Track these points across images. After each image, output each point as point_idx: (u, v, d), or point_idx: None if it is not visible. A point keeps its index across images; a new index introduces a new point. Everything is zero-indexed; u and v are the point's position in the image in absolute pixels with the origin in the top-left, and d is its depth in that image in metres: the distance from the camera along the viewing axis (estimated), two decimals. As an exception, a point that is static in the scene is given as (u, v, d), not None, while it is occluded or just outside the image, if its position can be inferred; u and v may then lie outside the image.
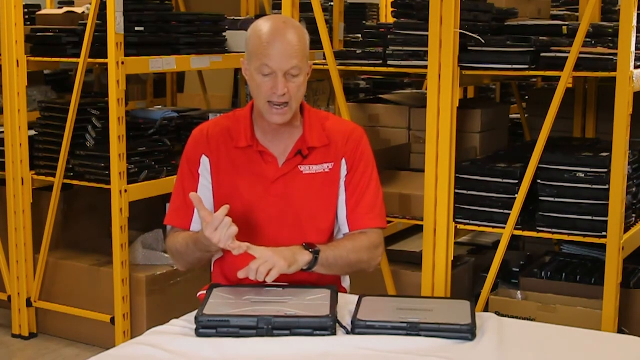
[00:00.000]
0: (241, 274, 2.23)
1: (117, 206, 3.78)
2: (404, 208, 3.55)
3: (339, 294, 2.26)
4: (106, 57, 3.70)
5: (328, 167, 2.45)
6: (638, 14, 3.05)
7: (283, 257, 2.24)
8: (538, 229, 3.28)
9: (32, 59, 4.15)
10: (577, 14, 4.86)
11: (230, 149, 2.44)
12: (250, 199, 2.42)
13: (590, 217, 3.17)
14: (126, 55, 3.72)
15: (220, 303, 2.17)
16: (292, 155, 2.43)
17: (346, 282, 2.61)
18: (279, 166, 2.43)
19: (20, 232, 4.20)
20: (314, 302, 2.18)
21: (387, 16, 6.61)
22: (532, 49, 3.23)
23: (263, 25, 2.35)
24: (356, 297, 2.28)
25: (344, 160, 2.46)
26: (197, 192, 2.44)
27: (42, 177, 4.15)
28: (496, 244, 3.43)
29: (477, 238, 4.51)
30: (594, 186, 3.17)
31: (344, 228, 2.49)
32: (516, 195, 3.25)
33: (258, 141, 2.44)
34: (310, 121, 2.46)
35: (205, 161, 2.46)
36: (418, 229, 3.79)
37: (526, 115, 4.72)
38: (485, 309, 3.35)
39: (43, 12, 4.95)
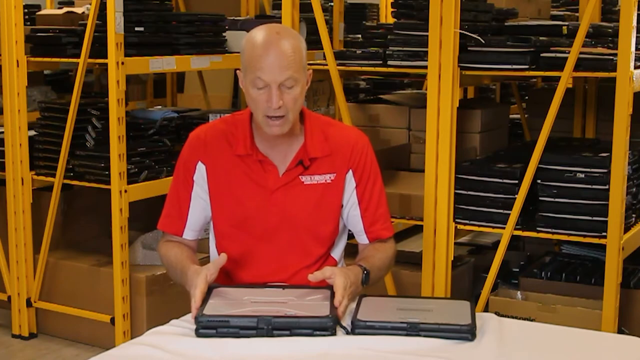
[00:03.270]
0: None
1: (117, 206, 3.77)
2: (404, 208, 3.55)
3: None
4: (106, 57, 3.70)
5: (330, 177, 2.40)
6: (638, 14, 3.05)
7: (352, 281, 2.26)
8: (538, 229, 3.28)
9: (32, 59, 4.14)
10: (577, 14, 4.86)
11: (228, 156, 2.39)
12: (249, 208, 2.38)
13: (590, 218, 3.17)
14: (126, 55, 3.72)
15: (220, 303, 2.17)
16: (293, 165, 2.38)
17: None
18: (279, 176, 2.38)
19: (20, 232, 4.20)
20: (314, 302, 2.18)
21: (387, 16, 6.62)
22: (532, 49, 3.23)
23: (256, 36, 2.28)
24: (356, 297, 2.28)
25: (350, 172, 2.42)
26: (190, 199, 2.43)
27: (42, 177, 4.15)
28: (496, 244, 3.44)
29: (477, 238, 4.52)
30: (594, 186, 3.17)
31: (361, 238, 2.49)
32: (516, 196, 3.25)
33: (258, 149, 2.38)
34: (312, 130, 2.41)
35: (201, 168, 2.41)
36: (418, 229, 3.80)
37: (526, 115, 4.72)
38: (485, 309, 3.35)
39: (43, 12, 4.95)
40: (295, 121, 2.36)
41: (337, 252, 2.51)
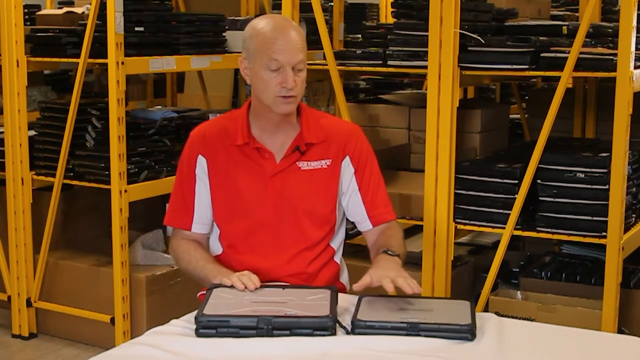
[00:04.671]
0: (390, 288, 2.22)
1: (117, 206, 3.77)
2: (404, 208, 3.55)
3: (339, 294, 2.26)
4: (106, 57, 3.70)
5: (326, 163, 2.47)
6: (638, 14, 3.05)
7: (396, 268, 2.30)
8: (538, 229, 3.28)
9: (32, 59, 4.14)
10: (577, 14, 4.86)
11: (227, 147, 2.46)
12: (248, 195, 2.45)
13: (590, 217, 3.17)
14: (126, 55, 3.72)
15: (220, 303, 2.17)
16: (289, 151, 2.46)
17: (344, 277, 2.62)
18: (277, 162, 2.45)
19: (20, 232, 4.20)
20: (314, 302, 2.18)
21: (387, 16, 6.61)
22: (532, 49, 3.23)
23: (264, 23, 2.39)
24: (356, 297, 2.28)
25: (347, 158, 2.49)
26: (194, 193, 2.49)
27: (42, 177, 4.15)
28: (496, 244, 3.44)
29: (477, 238, 4.51)
30: (594, 186, 3.17)
31: (364, 225, 2.54)
32: (516, 195, 3.25)
33: (255, 138, 2.46)
34: (307, 118, 2.50)
35: (202, 161, 2.48)
36: (418, 229, 3.79)
37: (526, 115, 4.72)
38: (485, 309, 3.35)
39: (43, 12, 4.95)
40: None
41: (336, 242, 2.56)
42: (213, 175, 2.47)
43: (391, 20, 3.85)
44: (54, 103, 4.30)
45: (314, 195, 2.46)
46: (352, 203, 2.52)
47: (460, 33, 3.25)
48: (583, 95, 4.20)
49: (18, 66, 4.10)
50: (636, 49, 3.11)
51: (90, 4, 3.87)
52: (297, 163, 2.46)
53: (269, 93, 2.38)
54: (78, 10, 4.60)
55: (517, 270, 3.81)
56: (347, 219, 2.60)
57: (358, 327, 2.08)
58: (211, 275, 2.37)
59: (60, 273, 4.19)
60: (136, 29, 3.89)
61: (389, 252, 2.38)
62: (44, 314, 4.25)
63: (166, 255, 4.08)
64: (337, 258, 2.57)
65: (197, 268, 2.44)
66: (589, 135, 4.18)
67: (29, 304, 4.23)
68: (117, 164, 3.74)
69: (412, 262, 3.72)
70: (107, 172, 3.81)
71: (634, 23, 3.01)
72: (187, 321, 2.18)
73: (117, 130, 3.72)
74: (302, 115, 2.50)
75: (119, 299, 3.87)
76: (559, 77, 3.15)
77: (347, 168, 2.50)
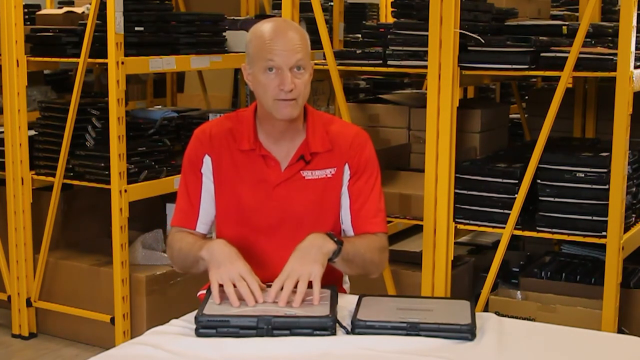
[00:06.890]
0: (269, 298, 2.16)
1: (117, 206, 3.78)
2: (404, 208, 3.55)
3: (339, 294, 2.26)
4: (106, 57, 3.70)
5: (331, 172, 2.43)
6: (638, 14, 3.05)
7: (309, 261, 2.20)
8: (538, 229, 3.28)
9: (32, 59, 4.15)
10: (577, 14, 4.86)
11: (232, 150, 2.42)
12: (251, 203, 2.41)
13: (590, 217, 3.17)
14: (126, 55, 3.72)
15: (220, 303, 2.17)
16: (294, 160, 2.41)
17: (346, 282, 2.61)
18: (282, 171, 2.41)
19: (20, 232, 4.20)
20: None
21: (387, 16, 6.61)
22: (532, 49, 3.23)
23: (263, 26, 2.34)
24: (356, 297, 2.28)
25: (347, 165, 2.44)
26: (200, 192, 2.45)
27: (42, 177, 4.15)
28: (496, 244, 3.44)
29: (477, 238, 4.51)
30: (594, 186, 3.17)
31: (348, 233, 2.48)
32: (516, 195, 3.25)
33: (261, 144, 2.41)
34: (314, 125, 2.44)
35: (207, 161, 2.44)
36: (418, 229, 3.80)
37: (526, 115, 4.72)
38: (485, 309, 3.35)
39: (43, 12, 4.95)
40: (299, 114, 2.39)
41: None
42: (217, 177, 2.44)
43: (391, 20, 3.84)
44: (54, 103, 4.30)
45: (317, 205, 2.41)
46: (342, 209, 2.45)
47: (460, 33, 3.25)
48: (583, 95, 4.20)
49: (18, 66, 4.10)
50: (636, 49, 3.11)
51: (90, 4, 3.87)
52: (301, 172, 2.41)
53: (268, 96, 2.32)
54: (78, 10, 4.60)
55: (517, 270, 3.81)
56: None
57: (358, 327, 2.08)
58: (197, 248, 2.30)
59: (60, 273, 4.20)
60: (136, 28, 3.89)
61: (330, 235, 2.28)
62: (44, 313, 4.25)
63: (166, 255, 4.08)
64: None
65: (188, 244, 2.37)
66: (589, 135, 4.18)
67: (29, 303, 4.23)
68: (117, 163, 3.74)
69: (412, 262, 3.74)
70: (107, 172, 3.81)
71: (634, 23, 3.01)
72: (187, 321, 2.17)
73: (117, 130, 3.72)
74: (309, 121, 2.44)
75: (119, 298, 3.87)
76: (559, 77, 3.15)
77: (346, 174, 2.45)
